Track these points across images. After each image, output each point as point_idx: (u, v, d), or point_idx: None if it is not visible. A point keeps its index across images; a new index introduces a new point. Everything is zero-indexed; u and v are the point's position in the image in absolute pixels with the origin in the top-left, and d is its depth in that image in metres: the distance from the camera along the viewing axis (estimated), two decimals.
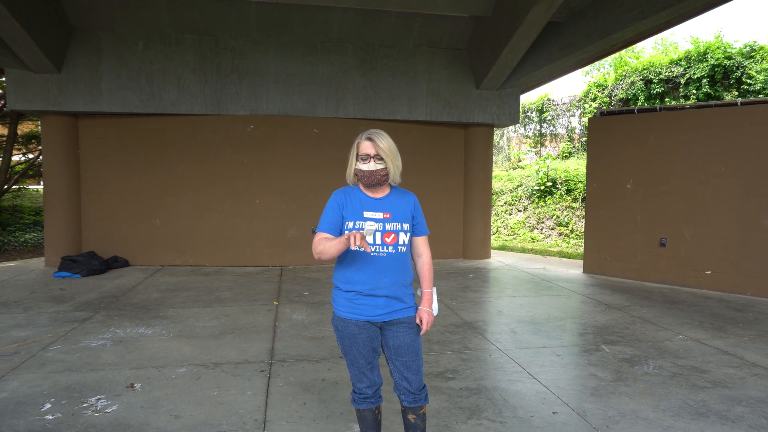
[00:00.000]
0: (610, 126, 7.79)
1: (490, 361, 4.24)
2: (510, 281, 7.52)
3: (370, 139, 2.36)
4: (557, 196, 12.99)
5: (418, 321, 2.46)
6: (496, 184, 14.45)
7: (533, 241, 12.10)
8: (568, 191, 12.92)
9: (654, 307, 6.07)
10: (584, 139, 15.61)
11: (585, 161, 13.96)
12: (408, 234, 2.39)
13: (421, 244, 2.51)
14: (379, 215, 2.35)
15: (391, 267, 2.34)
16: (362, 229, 2.28)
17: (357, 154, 2.38)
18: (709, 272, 7.00)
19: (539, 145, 16.74)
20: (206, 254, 8.47)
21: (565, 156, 15.74)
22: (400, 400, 2.49)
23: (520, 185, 14.04)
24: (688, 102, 7.42)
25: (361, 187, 2.42)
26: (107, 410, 3.32)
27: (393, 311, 2.38)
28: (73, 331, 4.86)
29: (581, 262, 8.90)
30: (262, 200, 8.56)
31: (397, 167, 2.39)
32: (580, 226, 12.05)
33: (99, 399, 3.47)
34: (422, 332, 2.46)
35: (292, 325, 5.14)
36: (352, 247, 1.98)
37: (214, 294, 6.41)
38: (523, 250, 10.89)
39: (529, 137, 17.62)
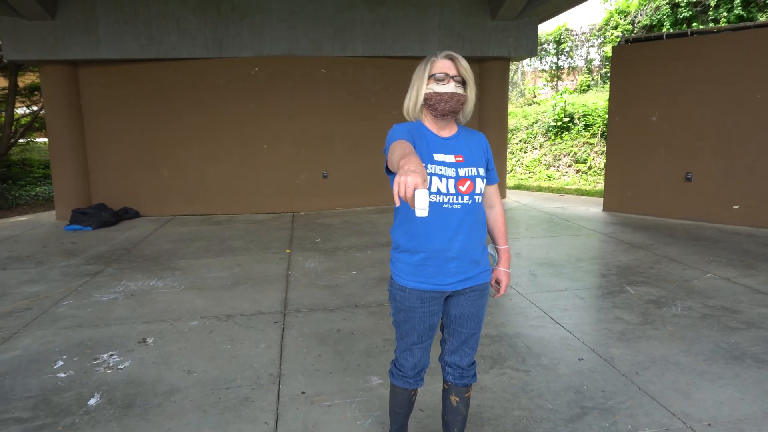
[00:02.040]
0: (635, 54, 7.33)
1: (510, 306, 4.10)
2: (527, 221, 7.32)
3: (450, 57, 1.92)
4: (574, 132, 12.60)
5: (494, 284, 2.13)
6: (510, 122, 14.02)
7: (550, 180, 11.83)
8: (587, 126, 12.51)
9: (679, 244, 5.85)
10: (604, 71, 14.97)
11: (604, 94, 13.48)
12: (484, 181, 1.99)
13: (494, 193, 2.13)
14: (451, 158, 1.93)
15: (466, 222, 1.92)
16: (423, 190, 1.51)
17: (429, 74, 1.93)
18: (737, 207, 6.71)
19: (556, 79, 16.11)
20: (216, 203, 8.35)
21: (584, 90, 15.17)
22: (444, 375, 2.16)
23: (536, 122, 13.63)
24: (719, 25, 6.89)
25: (427, 122, 1.99)
26: (119, 366, 3.24)
27: (467, 278, 1.98)
28: (85, 285, 4.80)
29: (601, 199, 8.65)
30: (271, 146, 8.32)
31: (473, 97, 1.98)
32: (598, 162, 11.71)
33: (111, 355, 3.40)
34: (498, 295, 2.15)
35: (305, 274, 5.03)
36: (396, 199, 1.43)
37: (226, 243, 6.31)
38: (540, 189, 10.62)
39: (545, 71, 16.96)
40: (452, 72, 1.92)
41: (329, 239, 6.42)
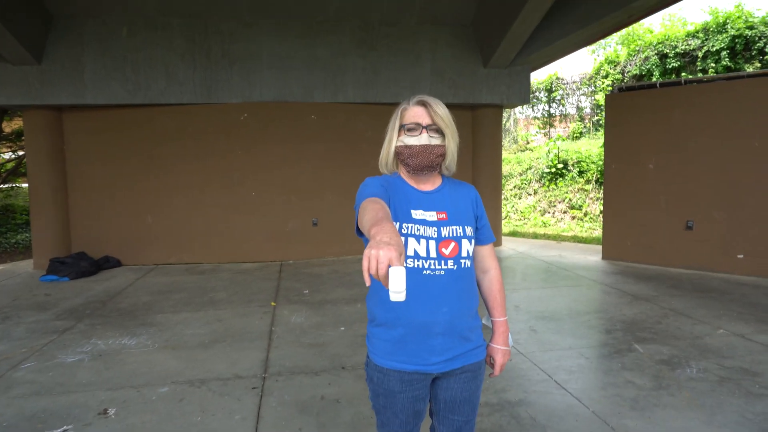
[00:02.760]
0: (629, 102, 7.24)
1: (511, 368, 3.78)
2: (525, 271, 7.06)
3: (423, 104, 1.69)
4: (569, 179, 12.52)
5: (489, 363, 1.86)
6: (504, 168, 13.95)
7: (545, 226, 11.66)
8: (581, 173, 12.44)
9: (685, 296, 5.56)
10: (596, 118, 15.05)
11: (597, 141, 13.49)
12: (473, 242, 1.73)
13: (488, 255, 1.84)
14: (432, 215, 1.68)
15: (451, 290, 1.65)
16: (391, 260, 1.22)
17: (401, 124, 1.71)
18: (742, 256, 6.47)
19: (548, 126, 16.16)
20: (202, 251, 8.04)
21: (576, 137, 15.20)
22: None
23: (530, 168, 13.57)
24: (707, 75, 6.90)
25: (404, 174, 1.76)
26: None
27: (455, 356, 1.70)
28: (50, 345, 4.43)
29: (599, 247, 8.42)
30: (259, 193, 8.09)
31: (455, 147, 1.74)
32: (594, 208, 11.58)
33: (65, 431, 3.02)
34: (493, 375, 1.86)
35: (289, 330, 4.70)
36: (366, 277, 1.18)
37: (208, 295, 5.98)
38: (536, 236, 10.42)
39: (538, 118, 17.05)
40: (425, 121, 1.68)
41: (317, 290, 6.11)
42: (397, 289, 1.10)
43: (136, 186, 7.92)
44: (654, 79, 12.70)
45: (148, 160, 7.90)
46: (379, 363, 1.70)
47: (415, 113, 1.69)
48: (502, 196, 13.07)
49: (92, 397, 3.42)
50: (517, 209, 12.81)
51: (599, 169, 11.87)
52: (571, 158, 12.80)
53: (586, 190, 12.06)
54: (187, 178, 7.96)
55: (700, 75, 11.90)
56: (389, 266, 1.12)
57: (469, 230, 1.72)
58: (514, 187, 13.45)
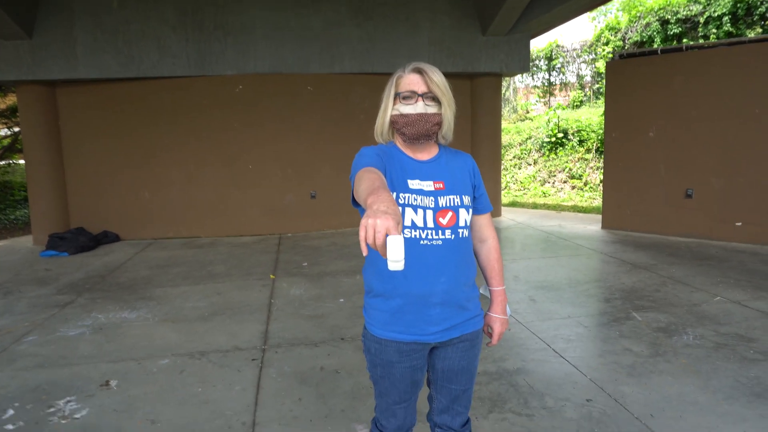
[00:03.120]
0: (630, 69, 7.13)
1: (510, 337, 3.81)
2: (524, 241, 7.08)
3: (418, 71, 1.65)
4: (569, 148, 12.46)
5: (486, 331, 1.86)
6: (503, 138, 13.87)
7: (545, 196, 11.65)
8: (581, 142, 12.37)
9: (683, 264, 5.58)
10: (596, 86, 14.89)
11: (597, 110, 13.39)
12: (470, 211, 1.72)
13: (485, 224, 1.84)
14: (429, 185, 1.67)
15: (449, 260, 1.65)
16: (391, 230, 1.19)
17: (396, 93, 1.68)
18: (740, 224, 6.46)
19: (548, 95, 16.00)
20: (200, 225, 8.04)
21: (576, 105, 15.06)
22: None
23: (529, 138, 13.50)
24: (709, 41, 6.76)
25: (400, 144, 1.74)
26: (75, 415, 2.90)
27: (453, 326, 1.71)
28: (52, 318, 4.45)
29: (599, 216, 8.42)
30: (256, 166, 8.05)
31: (452, 116, 1.71)
32: (594, 178, 11.55)
33: (68, 401, 3.06)
34: (491, 344, 1.86)
35: (288, 302, 4.73)
36: (363, 246, 1.15)
37: (207, 269, 6.00)
38: (535, 206, 10.42)
39: (537, 87, 16.87)
40: (421, 89, 1.65)
41: (316, 263, 6.12)
42: (396, 258, 1.09)
43: (133, 161, 7.86)
44: (655, 46, 12.51)
45: (144, 134, 7.83)
46: (377, 334, 1.70)
47: (410, 81, 1.66)
48: (502, 167, 13.03)
49: (94, 369, 3.46)
50: (516, 179, 12.78)
51: (599, 138, 11.80)
52: (571, 127, 12.70)
53: (586, 160, 12.00)
54: (183, 152, 7.90)
55: (701, 41, 11.72)
56: (387, 235, 1.11)
57: (466, 199, 1.71)
58: (514, 157, 13.39)
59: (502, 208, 9.88)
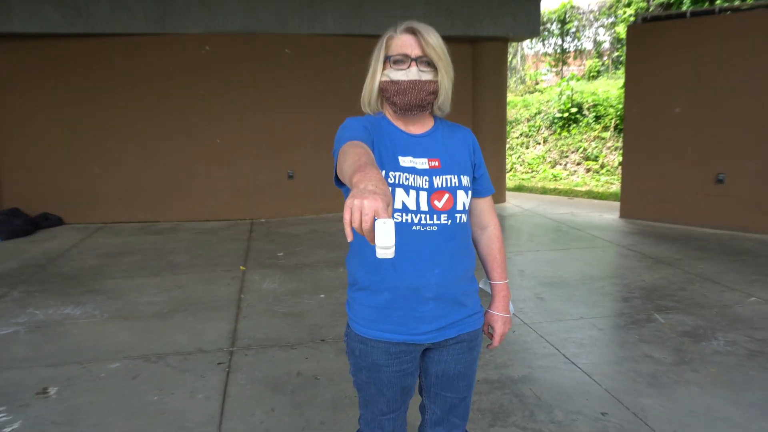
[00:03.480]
0: (654, 35, 7.11)
1: (515, 340, 3.80)
2: (531, 230, 7.09)
3: (412, 31, 1.64)
4: (583, 125, 12.49)
5: (486, 332, 1.85)
6: (509, 113, 13.87)
7: (556, 180, 11.70)
8: (597, 118, 12.40)
9: (712, 259, 5.61)
10: (616, 54, 14.90)
11: (617, 82, 13.41)
12: (469, 194, 1.71)
13: (486, 209, 1.84)
14: (423, 163, 1.65)
15: (444, 249, 1.65)
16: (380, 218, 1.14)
17: (386, 56, 1.66)
18: None
19: (561, 64, 15.99)
20: (158, 208, 7.96)
21: (593, 76, 15.09)
22: None
23: (539, 113, 13.51)
24: (746, 2, 6.75)
25: (390, 115, 1.73)
26: (6, 429, 2.84)
27: (448, 325, 1.69)
28: None
29: (616, 204, 8.45)
30: (225, 140, 7.96)
31: (450, 84, 1.69)
32: (612, 160, 11.60)
33: None
34: (492, 346, 1.85)
35: (261, 297, 4.70)
36: (348, 231, 1.12)
37: (166, 258, 5.95)
38: (545, 191, 10.45)
39: (549, 55, 16.86)
40: (414, 52, 1.62)
41: (293, 253, 6.09)
42: (385, 245, 1.08)
43: (79, 131, 7.72)
44: (684, 8, 12.51)
45: (94, 102, 7.69)
46: (362, 333, 1.69)
47: (402, 42, 1.63)
48: (507, 145, 13.05)
49: (29, 374, 3.39)
50: (523, 160, 12.80)
51: (618, 113, 11.82)
52: (587, 101, 12.72)
53: (603, 139, 12.04)
54: (140, 123, 7.78)
55: (737, 2, 11.74)
56: (375, 218, 1.08)
57: (465, 180, 1.70)
58: (521, 134, 13.40)
59: (507, 192, 9.90)
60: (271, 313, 4.36)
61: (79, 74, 7.63)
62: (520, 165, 12.73)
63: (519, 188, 10.89)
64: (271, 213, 8.17)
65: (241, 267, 5.61)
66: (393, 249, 1.07)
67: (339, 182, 1.54)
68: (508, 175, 12.11)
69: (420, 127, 1.72)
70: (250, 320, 4.22)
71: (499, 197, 8.99)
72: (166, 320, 4.24)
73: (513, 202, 9.17)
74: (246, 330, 4.03)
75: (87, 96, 7.67)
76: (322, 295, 4.73)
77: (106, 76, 7.66)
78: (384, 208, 1.10)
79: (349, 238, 1.13)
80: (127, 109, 7.74)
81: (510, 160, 12.85)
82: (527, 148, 13.09)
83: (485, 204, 1.83)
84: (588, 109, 12.61)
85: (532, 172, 12.36)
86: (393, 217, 1.57)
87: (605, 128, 12.14)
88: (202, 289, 4.95)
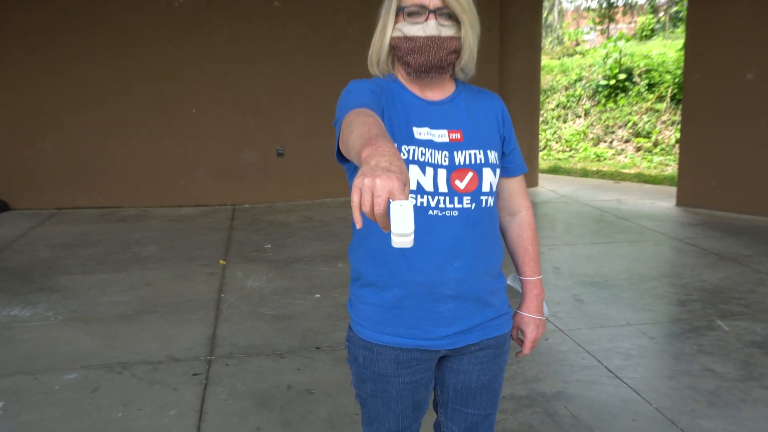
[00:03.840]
0: None
1: (548, 350, 3.84)
2: (569, 220, 7.12)
3: None
4: (634, 94, 12.49)
5: (515, 337, 1.88)
6: (544, 79, 13.86)
7: (599, 160, 11.72)
8: (650, 86, 12.39)
9: None
10: (674, 9, 14.83)
11: (676, 43, 13.37)
12: (497, 172, 1.71)
13: (517, 191, 1.84)
14: (442, 135, 1.66)
15: (467, 238, 1.65)
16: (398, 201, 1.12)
17: (399, 7, 1.66)
18: None
19: (607, 21, 15.95)
20: (123, 191, 8.03)
21: (646, 35, 15.05)
22: None
23: (579, 79, 13.52)
24: None
25: (402, 77, 1.73)
26: None
27: (471, 328, 1.71)
28: None
29: (672, 189, 8.47)
30: (202, 110, 8.01)
31: (475, 41, 1.68)
32: (667, 136, 11.60)
33: None
34: (522, 354, 1.86)
35: (244, 297, 4.76)
36: (357, 216, 1.13)
37: (132, 250, 6.03)
38: (585, 173, 10.47)
39: (592, 10, 16.81)
40: (433, 2, 1.61)
41: (283, 245, 6.15)
42: (403, 231, 1.07)
43: (26, 99, 7.78)
44: None
45: (43, 62, 7.73)
46: (366, 337, 1.70)
47: None
48: (540, 118, 13.03)
49: None
50: (560, 137, 12.80)
51: (677, 81, 11.80)
52: (638, 66, 12.71)
53: (657, 111, 12.03)
54: (100, 89, 7.83)
55: None
56: (390, 201, 1.08)
57: (492, 156, 1.69)
58: (558, 105, 13.40)
59: (540, 175, 9.93)
60: (257, 315, 4.40)
61: (25, 30, 7.66)
62: (556, 142, 12.73)
63: (554, 170, 10.90)
64: (257, 197, 8.22)
65: (221, 261, 5.66)
66: (412, 236, 1.07)
67: (342, 158, 1.54)
68: (541, 154, 12.12)
69: (439, 92, 1.72)
70: (231, 324, 4.26)
71: (530, 180, 9.00)
72: (131, 323, 4.28)
73: (547, 186, 9.18)
74: (227, 335, 4.07)
75: (35, 56, 7.71)
76: (318, 295, 4.77)
77: (58, 31, 7.69)
78: (400, 188, 1.09)
79: (359, 224, 1.12)
80: (84, 71, 7.79)
81: (544, 136, 12.85)
82: (565, 122, 13.09)
83: (516, 185, 1.83)
84: (639, 75, 12.59)
85: (570, 150, 12.37)
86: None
87: (660, 98, 12.11)
88: (175, 286, 5.00)
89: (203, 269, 5.44)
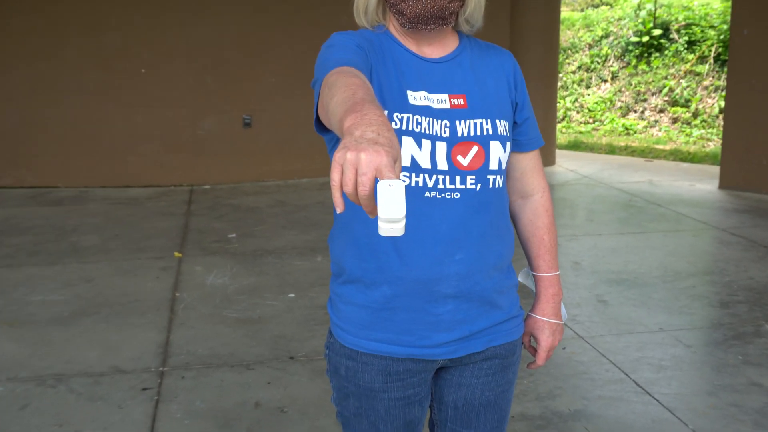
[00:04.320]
0: None
1: (565, 360, 3.87)
2: (591, 206, 7.15)
3: None
4: (671, 54, 12.50)
5: (528, 345, 1.89)
6: (563, 35, 13.85)
7: (628, 133, 11.75)
8: (691, 45, 12.41)
9: None
10: None
11: None
12: (508, 146, 1.70)
13: (532, 169, 1.84)
14: (442, 100, 1.65)
15: (471, 225, 1.64)
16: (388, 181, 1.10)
17: None
18: None
19: None
20: (57, 167, 8.01)
21: None
22: None
23: (606, 36, 13.53)
24: None
25: (395, 30, 1.72)
26: None
27: (474, 333, 1.70)
28: None
29: (715, 169, 8.50)
30: (153, 69, 7.98)
31: None
32: (710, 105, 11.61)
33: None
34: (535, 365, 1.86)
35: (204, 297, 4.77)
36: (337, 199, 1.10)
37: (68, 239, 6.02)
38: (611, 150, 10.50)
39: None
40: None
41: (251, 235, 6.16)
42: (392, 216, 1.05)
43: None
44: None
45: None
46: (350, 344, 1.69)
47: None
48: (559, 83, 13.02)
49: None
50: (582, 105, 12.80)
51: (722, 38, 11.81)
52: (676, 20, 12.70)
53: (698, 75, 12.04)
54: (25, 42, 7.79)
55: None
56: (377, 179, 1.07)
57: (502, 126, 1.68)
58: (579, 67, 13.40)
59: (557, 151, 9.94)
60: (219, 318, 4.40)
61: None
62: (577, 112, 12.73)
63: (574, 145, 10.91)
64: (220, 177, 8.22)
65: (176, 254, 5.66)
66: (403, 223, 1.05)
67: (322, 128, 1.53)
68: (559, 126, 12.12)
69: (439, 47, 1.71)
70: (188, 329, 4.26)
71: (546, 158, 9.01)
72: (68, 327, 4.27)
73: (566, 164, 9.20)
74: (183, 342, 4.07)
75: None
76: (292, 295, 4.77)
77: None
78: (389, 165, 1.06)
79: (339, 208, 1.11)
80: (9, 21, 7.74)
81: (562, 104, 12.85)
82: (588, 87, 13.08)
83: (530, 162, 1.83)
84: (678, 31, 12.58)
85: (594, 122, 12.38)
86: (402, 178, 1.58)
87: (702, 59, 12.13)
88: (121, 283, 5.00)
89: (155, 263, 5.43)
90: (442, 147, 1.61)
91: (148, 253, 5.66)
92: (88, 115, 7.96)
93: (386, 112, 1.59)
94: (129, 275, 5.16)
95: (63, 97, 7.89)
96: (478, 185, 1.64)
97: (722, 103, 10.11)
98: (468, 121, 1.64)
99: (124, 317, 4.43)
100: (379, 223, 1.04)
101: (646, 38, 12.69)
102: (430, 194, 1.60)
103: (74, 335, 4.17)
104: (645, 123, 11.97)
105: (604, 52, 13.29)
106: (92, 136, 7.99)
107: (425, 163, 1.60)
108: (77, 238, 6.06)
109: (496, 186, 1.67)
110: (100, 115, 7.97)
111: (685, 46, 12.41)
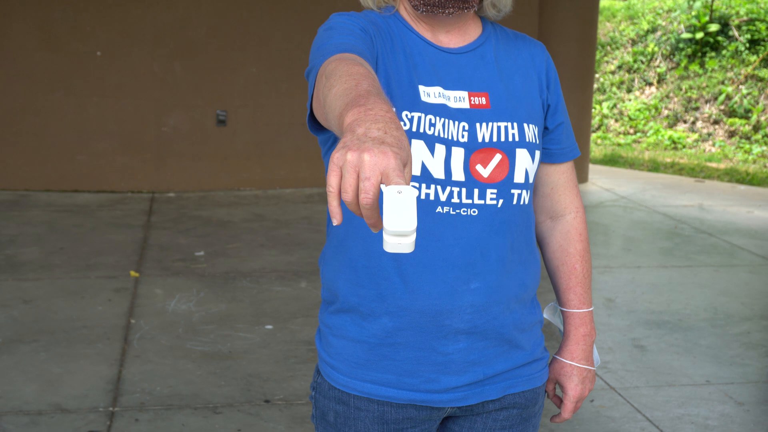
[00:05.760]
0: None
1: (593, 414, 3.89)
2: (628, 233, 7.16)
3: None
4: (728, 55, 12.51)
5: (552, 394, 1.89)
6: (601, 28, 13.88)
7: (676, 148, 11.74)
8: (753, 43, 12.43)
9: None
10: None
11: None
12: (537, 156, 1.69)
13: (563, 184, 1.85)
14: (461, 98, 1.65)
15: (489, 248, 1.63)
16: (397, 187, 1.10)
17: None
18: None
19: None
20: None
21: None
22: None
23: (653, 30, 13.56)
24: None
25: (407, 13, 1.72)
26: None
27: (490, 377, 1.69)
28: None
29: None
30: (110, 53, 8.01)
31: None
32: None
33: None
34: (561, 419, 1.84)
35: (164, 325, 4.78)
36: (334, 208, 1.08)
37: (4, 251, 6.04)
38: (655, 166, 10.51)
39: None
40: None
41: (222, 253, 6.18)
42: (400, 229, 1.04)
43: None
44: None
45: None
46: (341, 385, 1.69)
47: None
48: (595, 85, 13.05)
49: None
50: (621, 112, 12.79)
51: None
52: (737, 13, 12.73)
53: (761, 80, 12.05)
54: None
55: None
56: (383, 186, 1.08)
57: (530, 132, 1.68)
58: (620, 67, 13.41)
59: (590, 166, 9.95)
60: (182, 352, 4.41)
61: None
62: (616, 120, 12.72)
63: (611, 159, 10.91)
64: (186, 183, 8.24)
65: (132, 273, 5.66)
66: (413, 238, 1.04)
67: (316, 125, 1.53)
68: (594, 136, 12.15)
69: (458, 36, 1.71)
70: (144, 362, 4.26)
71: (577, 173, 9.02)
72: (1, 357, 4.28)
73: (600, 182, 9.21)
74: (137, 379, 4.08)
75: None
76: (269, 326, 4.76)
77: None
78: (398, 168, 1.04)
79: (336, 219, 1.09)
80: None
81: (598, 110, 12.87)
82: (629, 91, 13.08)
83: (563, 176, 1.85)
84: (738, 27, 12.62)
85: (635, 132, 12.37)
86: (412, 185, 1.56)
87: (766, 62, 12.15)
88: (65, 306, 5.00)
89: (106, 283, 5.44)
90: (458, 154, 1.60)
91: (99, 272, 5.66)
92: (31, 105, 7.98)
93: (395, 109, 1.61)
94: (75, 297, 5.16)
95: (0, 82, 7.94)
96: (500, 201, 1.63)
97: None
98: (490, 124, 1.64)
99: (68, 346, 4.42)
100: (385, 237, 1.03)
101: (700, 35, 12.69)
102: (443, 209, 1.60)
103: (8, 366, 4.17)
104: (696, 136, 11.96)
105: (649, 49, 13.30)
106: (35, 130, 8.02)
107: (438, 172, 1.59)
108: (14, 250, 6.07)
109: (522, 202, 1.67)
110: (46, 105, 8.00)
111: (747, 45, 12.44)
